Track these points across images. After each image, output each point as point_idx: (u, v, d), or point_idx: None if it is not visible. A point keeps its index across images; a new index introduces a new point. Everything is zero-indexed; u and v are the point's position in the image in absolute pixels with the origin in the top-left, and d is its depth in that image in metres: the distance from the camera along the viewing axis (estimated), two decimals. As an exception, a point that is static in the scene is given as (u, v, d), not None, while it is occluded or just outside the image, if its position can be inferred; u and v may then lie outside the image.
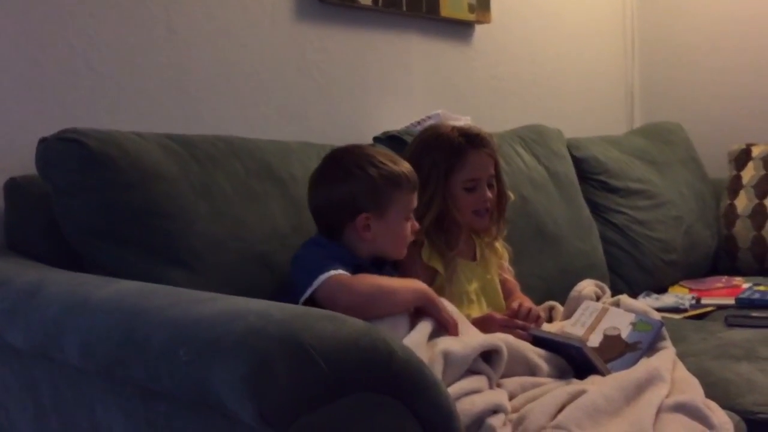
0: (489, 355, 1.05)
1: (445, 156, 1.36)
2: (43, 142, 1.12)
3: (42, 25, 1.29)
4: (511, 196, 1.45)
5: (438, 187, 1.34)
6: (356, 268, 1.14)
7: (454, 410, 0.75)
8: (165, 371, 0.69)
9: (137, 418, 0.77)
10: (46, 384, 0.91)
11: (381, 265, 1.24)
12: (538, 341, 1.19)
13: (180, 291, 0.82)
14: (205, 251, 1.12)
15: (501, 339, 1.12)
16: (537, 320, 1.31)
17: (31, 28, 1.28)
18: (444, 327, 1.07)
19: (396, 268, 1.34)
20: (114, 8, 1.38)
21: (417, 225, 1.23)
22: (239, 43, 1.57)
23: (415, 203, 1.22)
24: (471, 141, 1.37)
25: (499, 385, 1.06)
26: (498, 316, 1.29)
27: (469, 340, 1.03)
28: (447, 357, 0.98)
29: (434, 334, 1.06)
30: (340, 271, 1.09)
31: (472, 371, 1.01)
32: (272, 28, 1.62)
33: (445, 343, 1.00)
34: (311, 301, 1.08)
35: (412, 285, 1.12)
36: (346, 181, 1.16)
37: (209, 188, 1.18)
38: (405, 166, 1.20)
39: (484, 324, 1.22)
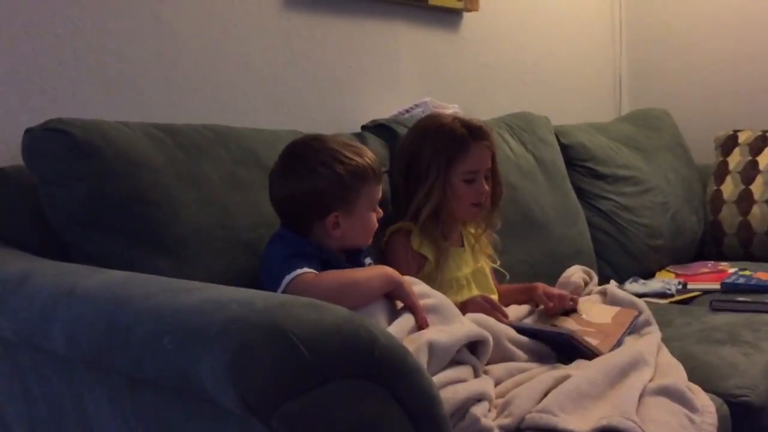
0: (475, 345, 1.06)
1: (446, 146, 1.36)
2: (28, 132, 1.12)
3: (27, 13, 1.28)
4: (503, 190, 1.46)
5: (438, 177, 1.34)
6: (324, 262, 1.11)
7: (437, 395, 0.75)
8: (149, 360, 0.70)
9: (124, 407, 0.78)
10: (34, 373, 0.92)
11: (356, 252, 1.23)
12: (520, 330, 1.20)
13: (164, 280, 0.83)
14: (191, 239, 1.13)
15: (482, 322, 1.13)
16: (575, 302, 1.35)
17: (16, 17, 1.27)
18: (411, 312, 1.05)
19: (381, 256, 1.35)
20: (99, -4, 1.37)
21: (381, 212, 1.21)
22: (227, 32, 1.56)
23: (380, 194, 1.20)
24: (473, 133, 1.37)
25: (485, 372, 1.07)
26: (482, 297, 1.30)
27: (454, 329, 1.04)
28: (432, 347, 0.98)
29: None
30: (306, 270, 1.06)
31: (457, 361, 1.02)
32: (260, 16, 1.61)
33: (430, 333, 1.01)
34: None
35: (377, 272, 1.08)
36: (312, 179, 1.12)
37: (195, 176, 1.18)
38: (369, 157, 1.17)
39: (470, 306, 1.24)
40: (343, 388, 0.67)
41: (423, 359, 0.96)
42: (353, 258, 1.22)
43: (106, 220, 1.09)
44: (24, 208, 1.15)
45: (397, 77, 1.89)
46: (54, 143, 1.09)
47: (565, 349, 1.19)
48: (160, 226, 1.11)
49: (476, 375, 1.03)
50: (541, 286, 1.38)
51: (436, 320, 1.07)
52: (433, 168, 1.35)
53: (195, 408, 0.71)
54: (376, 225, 1.20)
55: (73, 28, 1.34)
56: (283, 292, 1.04)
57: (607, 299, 1.41)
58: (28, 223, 1.14)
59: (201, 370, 0.65)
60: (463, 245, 1.44)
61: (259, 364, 0.63)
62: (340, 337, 0.67)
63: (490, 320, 1.15)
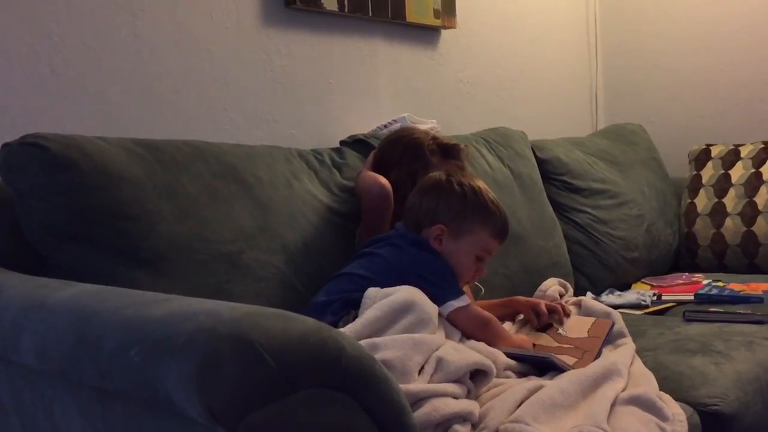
0: (475, 372, 1.06)
1: (409, 159, 1.39)
2: (5, 146, 1.13)
3: (5, 29, 1.29)
4: None
5: (407, 190, 1.36)
6: None
7: (405, 405, 0.76)
8: (117, 371, 0.70)
9: (94, 419, 0.78)
10: (6, 385, 0.92)
11: None
12: (507, 355, 1.21)
13: (134, 293, 0.83)
14: (169, 252, 1.14)
15: (484, 351, 1.14)
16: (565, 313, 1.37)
17: (-7, 33, 1.28)
18: None
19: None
20: (79, 13, 1.38)
21: (483, 272, 1.27)
22: (205, 49, 1.58)
23: (493, 251, 1.27)
24: (441, 150, 1.40)
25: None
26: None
27: (467, 353, 1.06)
28: (440, 362, 1.00)
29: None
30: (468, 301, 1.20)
31: (456, 379, 1.02)
32: (238, 33, 1.63)
33: (443, 350, 1.03)
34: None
35: (521, 342, 1.23)
36: (445, 190, 1.23)
37: (173, 190, 1.19)
38: (503, 215, 1.25)
39: (506, 307, 1.33)
40: (310, 398, 0.67)
41: (428, 371, 0.99)
42: None
43: (83, 234, 1.10)
44: (0, 222, 1.15)
45: (376, 93, 1.92)
46: (31, 157, 1.10)
47: (546, 367, 1.20)
48: (138, 240, 1.12)
49: (468, 398, 1.04)
50: (524, 299, 1.39)
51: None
52: (400, 180, 1.38)
53: (163, 420, 0.71)
54: (472, 278, 1.27)
55: (51, 44, 1.35)
56: (460, 308, 1.17)
57: (582, 310, 1.42)
58: (4, 237, 1.14)
59: (167, 381, 0.65)
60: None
61: (225, 375, 0.63)
62: (306, 347, 0.67)
63: (491, 350, 1.16)
